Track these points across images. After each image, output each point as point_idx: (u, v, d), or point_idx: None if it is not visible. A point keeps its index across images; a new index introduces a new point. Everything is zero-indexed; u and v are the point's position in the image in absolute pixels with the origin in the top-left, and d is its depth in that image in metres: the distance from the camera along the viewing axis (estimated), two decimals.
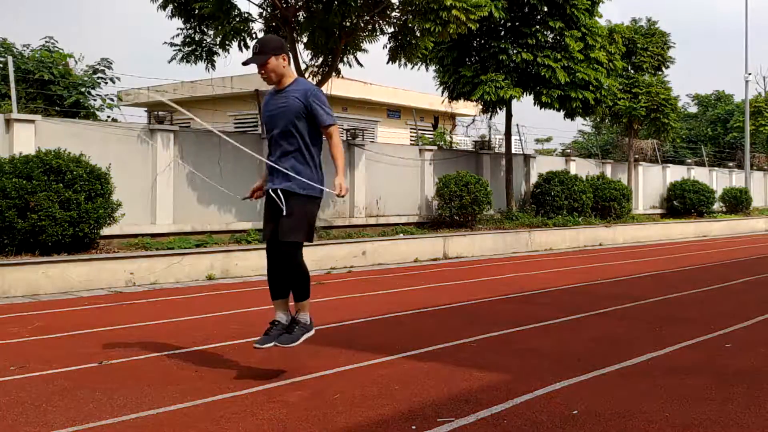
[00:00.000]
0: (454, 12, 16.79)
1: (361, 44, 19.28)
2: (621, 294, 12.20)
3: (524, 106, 75.76)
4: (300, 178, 6.35)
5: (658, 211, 34.79)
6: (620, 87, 28.79)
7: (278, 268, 6.49)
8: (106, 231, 14.37)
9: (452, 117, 37.45)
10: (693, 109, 64.57)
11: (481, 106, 24.35)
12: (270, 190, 6.45)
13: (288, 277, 6.47)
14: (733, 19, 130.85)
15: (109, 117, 18.98)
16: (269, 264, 6.56)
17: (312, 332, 6.60)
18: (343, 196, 6.41)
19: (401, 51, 18.99)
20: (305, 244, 6.56)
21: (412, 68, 21.12)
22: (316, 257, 15.06)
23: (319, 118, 6.36)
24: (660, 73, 31.63)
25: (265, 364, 6.97)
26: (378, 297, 11.89)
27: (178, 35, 18.65)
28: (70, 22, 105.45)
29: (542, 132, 58.53)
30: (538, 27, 22.58)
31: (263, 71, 6.43)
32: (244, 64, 6.68)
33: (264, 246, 6.65)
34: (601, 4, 24.54)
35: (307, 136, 6.42)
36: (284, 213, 6.31)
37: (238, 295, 12.06)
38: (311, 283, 6.71)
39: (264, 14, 18.51)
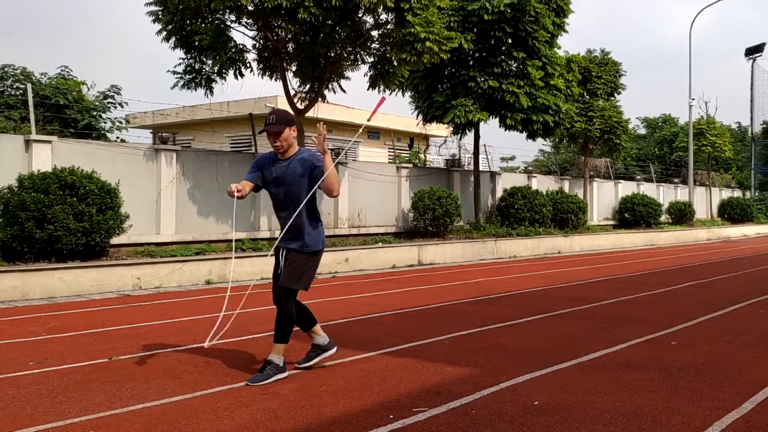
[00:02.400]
0: (427, 44, 16.80)
1: (345, 72, 19.18)
2: (578, 297, 12.23)
3: (491, 128, 76.25)
4: (302, 236, 6.37)
5: (611, 222, 34.65)
6: (577, 111, 28.69)
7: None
8: (115, 240, 14.33)
9: (426, 138, 37.41)
10: (642, 131, 65.04)
11: (451, 128, 24.21)
12: (277, 248, 6.50)
13: (277, 316, 6.39)
14: (678, 50, 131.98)
15: (118, 138, 18.86)
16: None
17: (285, 374, 6.38)
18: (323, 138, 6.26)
19: (380, 78, 18.90)
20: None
21: (390, 94, 20.97)
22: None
23: (318, 176, 6.28)
24: (612, 98, 31.45)
25: (258, 361, 6.93)
26: (359, 299, 11.88)
27: (180, 64, 18.60)
28: (84, 53, 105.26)
29: (507, 151, 59.02)
30: (503, 57, 22.48)
31: (278, 140, 6.33)
32: (261, 132, 6.49)
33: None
34: (559, 36, 24.52)
35: (309, 197, 6.36)
36: (287, 265, 6.35)
37: (234, 298, 11.72)
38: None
39: (257, 46, 18.51)
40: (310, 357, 6.65)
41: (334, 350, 6.78)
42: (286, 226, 6.34)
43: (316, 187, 6.32)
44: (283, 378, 6.32)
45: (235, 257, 14.81)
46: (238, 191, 6.21)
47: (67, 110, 17.92)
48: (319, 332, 6.70)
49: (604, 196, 35.02)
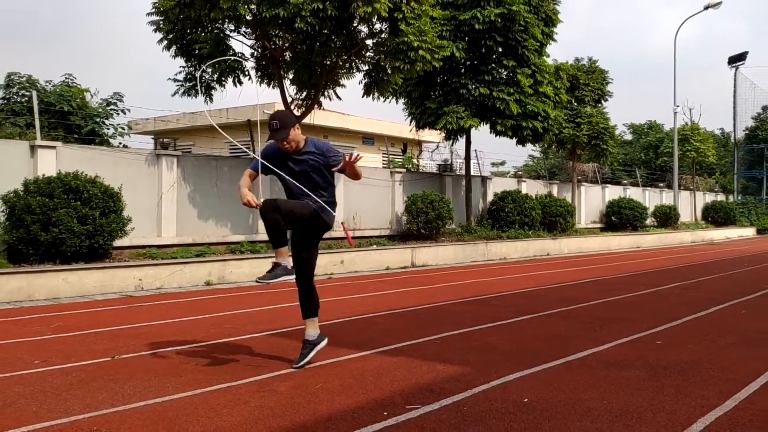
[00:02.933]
0: (420, 52, 16.82)
1: (340, 80, 19.21)
2: (566, 297, 12.22)
3: (482, 134, 76.23)
4: (326, 214, 6.64)
5: (598, 225, 34.69)
6: (565, 117, 28.68)
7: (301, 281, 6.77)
8: (118, 243, 14.36)
9: (419, 143, 37.38)
10: (629, 137, 65.16)
11: (444, 134, 24.31)
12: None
13: (308, 295, 6.85)
14: (663, 59, 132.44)
15: (120, 144, 18.83)
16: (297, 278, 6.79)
17: (325, 340, 6.89)
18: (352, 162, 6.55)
19: (374, 86, 18.95)
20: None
21: (384, 101, 20.98)
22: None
23: (334, 165, 6.66)
24: (600, 105, 31.57)
25: (256, 359, 6.99)
26: (355, 300, 11.85)
27: (180, 72, 18.65)
28: (88, 60, 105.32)
29: (497, 156, 59.06)
30: (493, 65, 22.49)
31: (287, 143, 6.54)
32: (269, 139, 6.73)
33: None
34: (548, 45, 24.59)
35: (328, 181, 6.75)
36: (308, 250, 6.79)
37: (233, 298, 11.99)
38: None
39: (255, 54, 18.54)
40: (304, 354, 6.66)
41: (324, 341, 6.85)
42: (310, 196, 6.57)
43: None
44: (325, 344, 6.81)
45: (234, 259, 14.85)
46: (255, 203, 6.47)
47: (71, 117, 17.90)
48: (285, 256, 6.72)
49: (591, 200, 35.05)
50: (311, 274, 6.84)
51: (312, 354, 6.67)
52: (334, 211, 6.73)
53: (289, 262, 6.63)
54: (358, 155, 6.61)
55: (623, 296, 12.53)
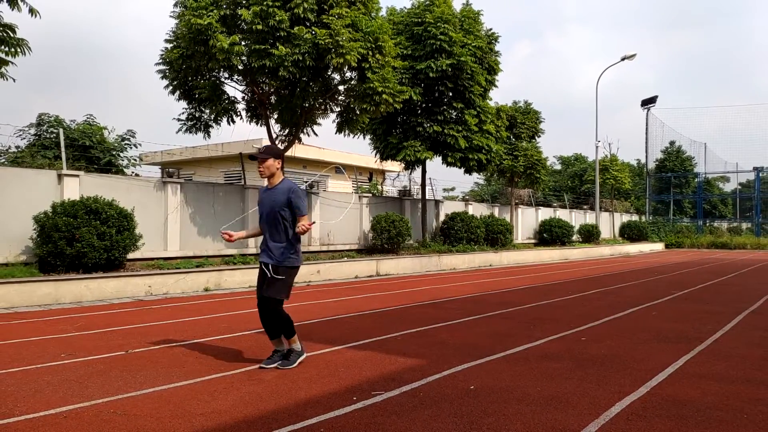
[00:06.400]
0: (384, 96, 17.00)
1: (317, 119, 19.20)
2: (506, 301, 12.22)
3: (435, 164, 76.65)
4: (282, 253, 6.21)
5: (533, 241, 34.78)
6: (505, 151, 28.81)
7: (266, 316, 6.29)
8: (131, 255, 14.40)
9: (383, 172, 37.35)
10: (558, 167, 65.51)
11: (403, 165, 24.29)
12: (261, 262, 6.29)
13: (275, 324, 6.30)
14: (587, 102, 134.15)
15: (133, 172, 18.58)
16: (260, 313, 6.35)
17: (304, 355, 6.53)
18: (304, 231, 6.11)
19: (346, 124, 19.06)
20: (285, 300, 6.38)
21: (353, 137, 20.69)
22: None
23: (295, 211, 6.21)
24: (534, 140, 31.37)
25: (246, 353, 6.98)
26: (329, 303, 11.75)
27: (183, 113, 18.52)
28: (105, 103, 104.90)
29: (448, 183, 59.45)
30: (445, 107, 22.62)
31: (261, 167, 6.31)
32: (251, 157, 6.49)
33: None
34: (491, 90, 24.68)
35: (289, 221, 6.23)
36: (269, 278, 6.20)
37: (228, 302, 11.92)
38: None
39: (245, 98, 18.52)
40: (274, 360, 6.40)
41: (293, 365, 6.38)
42: (271, 243, 6.24)
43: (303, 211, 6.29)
44: (303, 358, 6.46)
45: (228, 269, 14.81)
46: (231, 236, 6.50)
47: (91, 150, 17.82)
48: (283, 343, 6.50)
49: (527, 220, 35.11)
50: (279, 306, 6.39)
51: (277, 364, 6.38)
52: (298, 252, 6.34)
53: (284, 348, 6.48)
54: (312, 222, 6.33)
55: (554, 300, 12.54)
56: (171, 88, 17.52)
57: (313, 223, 6.58)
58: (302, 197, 6.31)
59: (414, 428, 4.52)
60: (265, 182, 6.51)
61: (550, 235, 34.14)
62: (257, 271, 6.72)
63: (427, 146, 22.46)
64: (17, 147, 18.04)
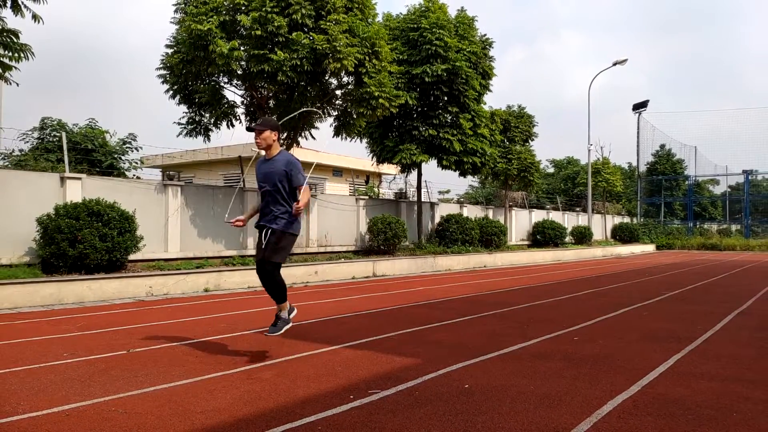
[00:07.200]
0: (380, 100, 17.11)
1: (314, 123, 19.21)
2: (500, 302, 12.16)
3: (431, 167, 76.78)
4: (282, 219, 6.37)
5: (526, 242, 34.74)
6: (499, 154, 28.89)
7: (264, 279, 6.45)
8: (132, 257, 14.38)
9: (379, 175, 37.51)
10: (551, 170, 65.46)
11: (399, 168, 24.33)
12: (262, 226, 6.45)
13: (270, 287, 6.46)
14: (580, 106, 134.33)
15: (134, 175, 18.58)
16: (260, 279, 6.50)
17: (290, 324, 6.63)
18: (298, 213, 6.30)
19: (343, 128, 19.07)
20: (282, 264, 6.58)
21: (350, 140, 20.80)
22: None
23: (294, 180, 6.40)
24: (527, 143, 31.56)
25: (245, 353, 6.93)
26: (327, 304, 11.73)
27: (183, 117, 18.55)
28: (107, 107, 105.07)
29: (443, 186, 59.31)
30: (440, 111, 22.68)
31: (258, 137, 6.47)
32: (248, 129, 6.61)
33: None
34: (485, 95, 24.77)
35: (288, 191, 6.42)
36: (269, 242, 6.33)
37: (227, 303, 11.88)
38: (287, 292, 6.76)
39: (245, 102, 18.53)
40: (279, 326, 6.56)
41: (295, 312, 6.76)
42: (271, 209, 6.40)
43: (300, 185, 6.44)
44: (289, 327, 6.65)
45: (227, 270, 14.80)
46: (239, 220, 6.67)
47: (93, 153, 17.78)
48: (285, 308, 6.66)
49: (520, 222, 35.12)
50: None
51: (286, 328, 6.63)
52: (298, 221, 6.54)
53: (286, 313, 6.64)
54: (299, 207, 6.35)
55: (547, 301, 12.51)
56: (171, 92, 17.59)
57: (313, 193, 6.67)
58: (300, 169, 6.49)
59: (410, 426, 4.51)
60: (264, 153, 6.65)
61: (543, 236, 34.13)
62: (254, 272, 6.75)
63: (423, 149, 22.54)
64: (21, 150, 17.99)
